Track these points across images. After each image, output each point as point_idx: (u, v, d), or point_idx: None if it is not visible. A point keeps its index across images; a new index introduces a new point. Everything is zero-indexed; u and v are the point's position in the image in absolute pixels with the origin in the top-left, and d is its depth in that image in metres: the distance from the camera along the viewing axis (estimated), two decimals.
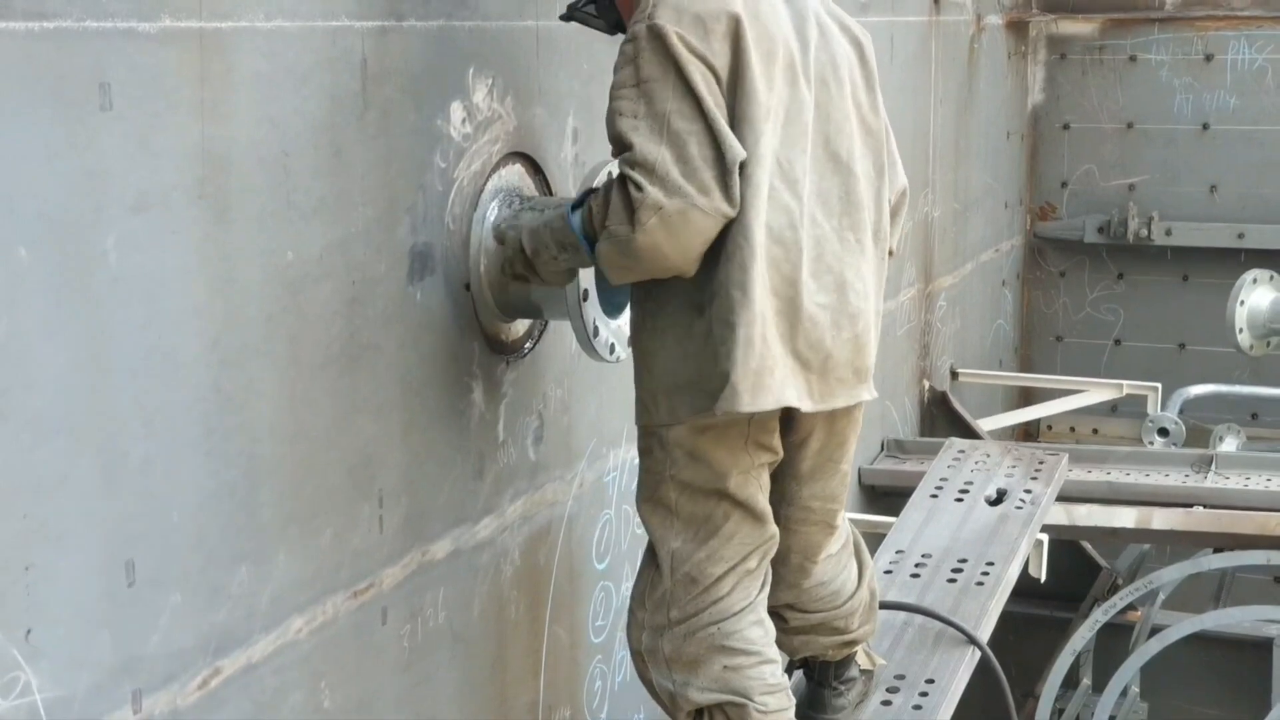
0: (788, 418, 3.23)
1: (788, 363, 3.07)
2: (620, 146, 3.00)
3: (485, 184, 3.49)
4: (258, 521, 2.82)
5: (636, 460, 3.28)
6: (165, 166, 2.55)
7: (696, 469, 3.18)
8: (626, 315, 3.64)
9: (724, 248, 3.01)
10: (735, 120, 3.00)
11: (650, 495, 3.24)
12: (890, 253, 3.34)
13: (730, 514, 3.20)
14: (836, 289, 3.14)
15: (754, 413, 3.05)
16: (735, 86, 3.00)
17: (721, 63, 3.00)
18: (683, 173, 2.95)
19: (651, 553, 3.29)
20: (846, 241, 3.17)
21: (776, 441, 3.24)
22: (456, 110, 3.35)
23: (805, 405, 3.11)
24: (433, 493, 3.36)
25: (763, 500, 3.25)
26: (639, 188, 2.94)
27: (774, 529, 3.28)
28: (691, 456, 3.17)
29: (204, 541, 2.69)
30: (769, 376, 3.03)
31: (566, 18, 3.43)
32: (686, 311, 3.09)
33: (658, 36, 2.97)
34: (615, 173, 3.04)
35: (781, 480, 3.36)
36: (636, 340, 3.22)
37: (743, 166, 2.98)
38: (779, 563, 3.39)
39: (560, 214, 3.23)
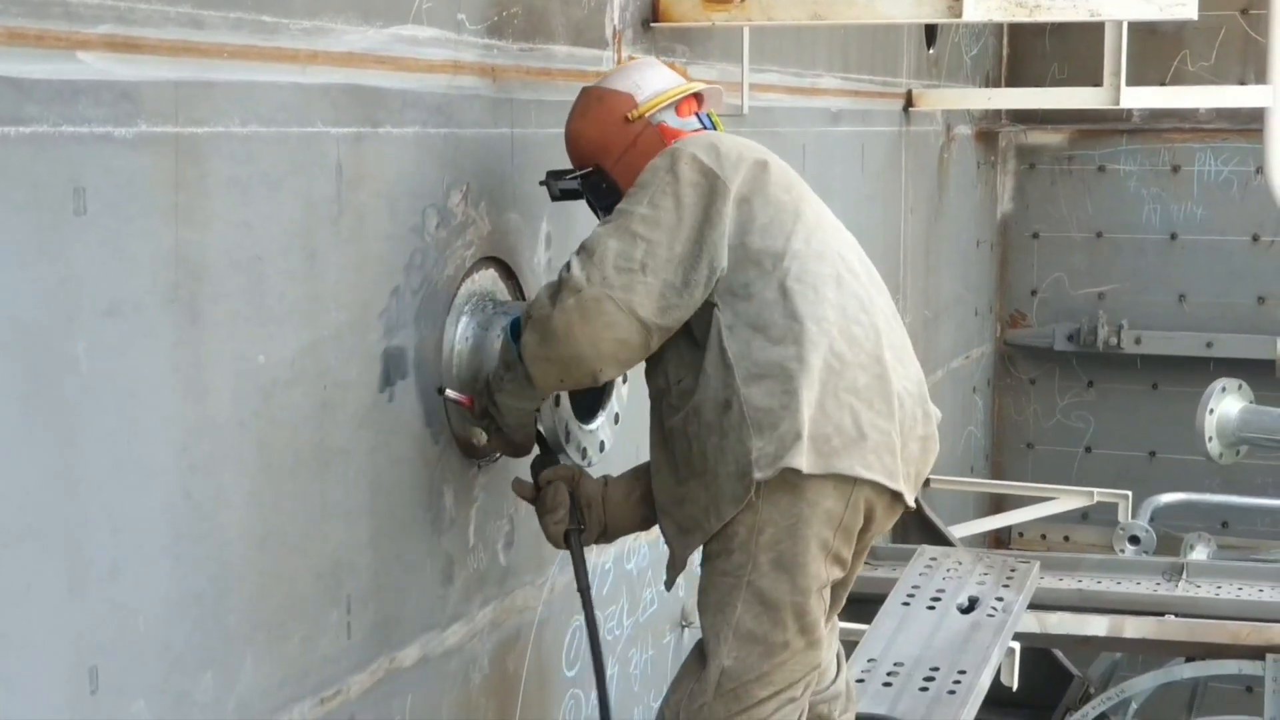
0: (867, 520, 3.13)
1: (887, 441, 3.03)
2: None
3: (459, 288, 3.49)
4: (224, 628, 2.79)
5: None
6: (138, 271, 2.55)
7: (777, 578, 3.06)
8: (600, 419, 3.64)
9: (789, 328, 2.98)
10: (756, 223, 3.05)
11: (718, 601, 3.11)
12: None
13: (790, 641, 3.10)
14: (917, 380, 3.19)
15: (856, 479, 3.00)
16: (753, 197, 3.07)
17: (736, 179, 3.07)
18: (618, 267, 3.00)
19: (698, 663, 3.17)
20: (906, 348, 3.23)
21: (849, 553, 3.14)
22: (430, 215, 3.36)
23: (907, 490, 3.08)
24: (401, 598, 3.33)
25: (823, 625, 3.16)
26: (568, 268, 3.03)
27: (823, 657, 3.20)
28: (777, 565, 3.05)
29: (170, 648, 2.66)
30: (867, 446, 3.00)
31: (546, 185, 3.48)
32: (717, 411, 3.03)
33: (672, 155, 3.08)
34: None
35: None
36: (671, 476, 3.15)
37: (787, 253, 3.02)
38: None
39: (504, 339, 3.29)
